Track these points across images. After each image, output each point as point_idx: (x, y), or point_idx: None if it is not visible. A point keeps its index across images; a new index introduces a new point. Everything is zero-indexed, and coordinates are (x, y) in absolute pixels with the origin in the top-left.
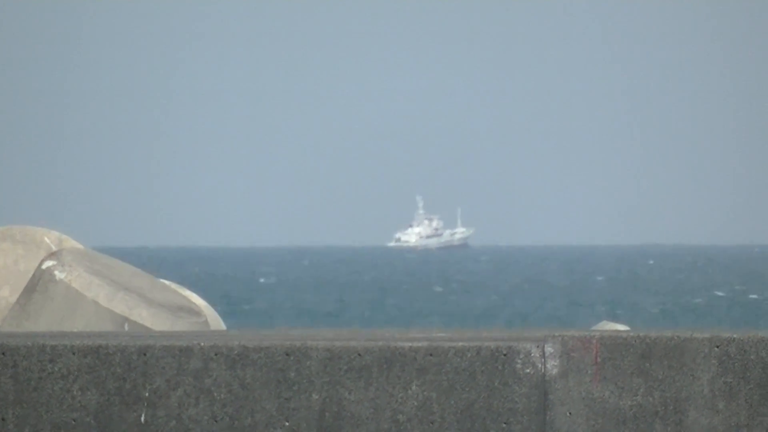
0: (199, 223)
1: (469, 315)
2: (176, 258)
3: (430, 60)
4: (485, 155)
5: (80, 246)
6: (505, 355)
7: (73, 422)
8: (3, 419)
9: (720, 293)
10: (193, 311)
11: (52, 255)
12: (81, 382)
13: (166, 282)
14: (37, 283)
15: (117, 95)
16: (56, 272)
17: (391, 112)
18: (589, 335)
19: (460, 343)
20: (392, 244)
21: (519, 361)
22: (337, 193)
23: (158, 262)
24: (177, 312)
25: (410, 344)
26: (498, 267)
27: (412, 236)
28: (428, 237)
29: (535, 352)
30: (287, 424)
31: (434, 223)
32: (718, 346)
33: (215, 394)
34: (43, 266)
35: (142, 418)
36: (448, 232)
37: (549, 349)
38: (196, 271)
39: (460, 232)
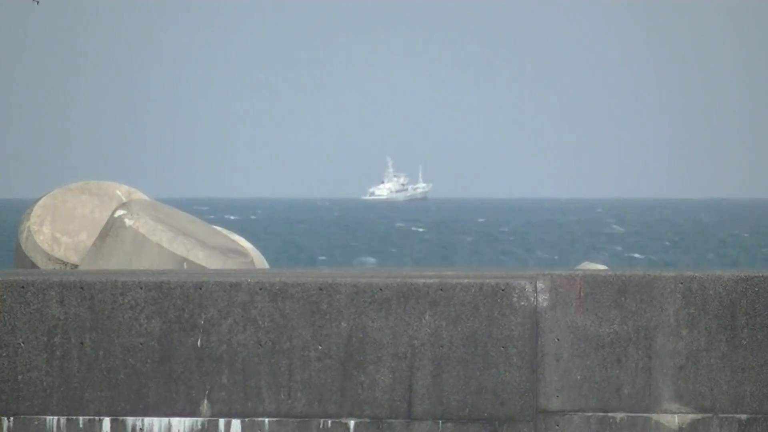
0: (192, 174)
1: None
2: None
3: (400, 39)
4: (445, 121)
5: (146, 197)
6: (503, 290)
7: (140, 346)
8: (82, 343)
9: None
10: (241, 253)
11: (122, 205)
12: (147, 312)
13: (218, 228)
14: (110, 229)
15: (171, 69)
16: (126, 220)
17: (373, 88)
18: (574, 274)
19: (466, 280)
20: (366, 197)
21: (515, 295)
22: (321, 154)
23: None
24: (228, 253)
25: (424, 281)
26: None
27: (384, 191)
28: (397, 191)
29: (529, 288)
30: (320, 347)
31: (401, 180)
32: (682, 283)
33: (259, 322)
34: (115, 215)
35: (198, 343)
36: (411, 187)
37: (540, 285)
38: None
39: (421, 187)
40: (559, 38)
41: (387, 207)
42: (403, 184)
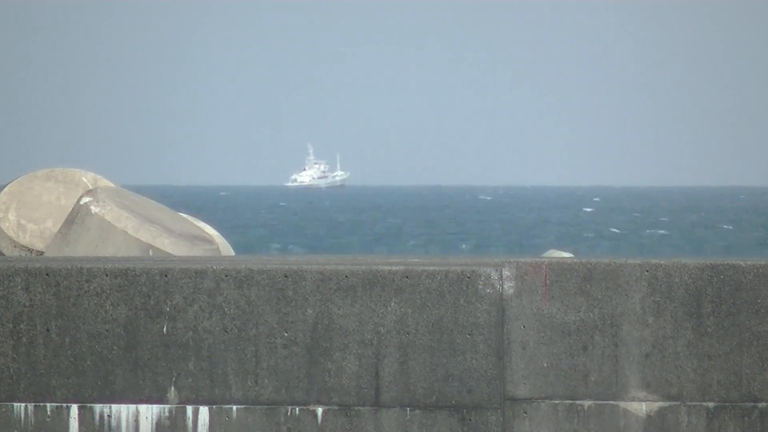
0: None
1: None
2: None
3: (324, 26)
4: (363, 112)
5: (112, 184)
6: (469, 277)
7: (106, 332)
8: (48, 330)
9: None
10: (206, 240)
11: (88, 192)
12: (112, 298)
13: (183, 215)
14: (76, 216)
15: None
16: (92, 207)
17: (293, 77)
18: (540, 261)
19: (432, 267)
20: (289, 183)
21: (481, 282)
22: (245, 141)
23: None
24: (193, 240)
25: (389, 268)
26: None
27: (306, 177)
28: (318, 178)
29: (494, 275)
30: (286, 334)
31: (322, 167)
32: (647, 271)
33: (225, 309)
34: (81, 202)
35: (164, 329)
36: (331, 174)
37: (506, 272)
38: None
39: (339, 175)
40: (489, 17)
41: (311, 194)
42: (323, 171)
